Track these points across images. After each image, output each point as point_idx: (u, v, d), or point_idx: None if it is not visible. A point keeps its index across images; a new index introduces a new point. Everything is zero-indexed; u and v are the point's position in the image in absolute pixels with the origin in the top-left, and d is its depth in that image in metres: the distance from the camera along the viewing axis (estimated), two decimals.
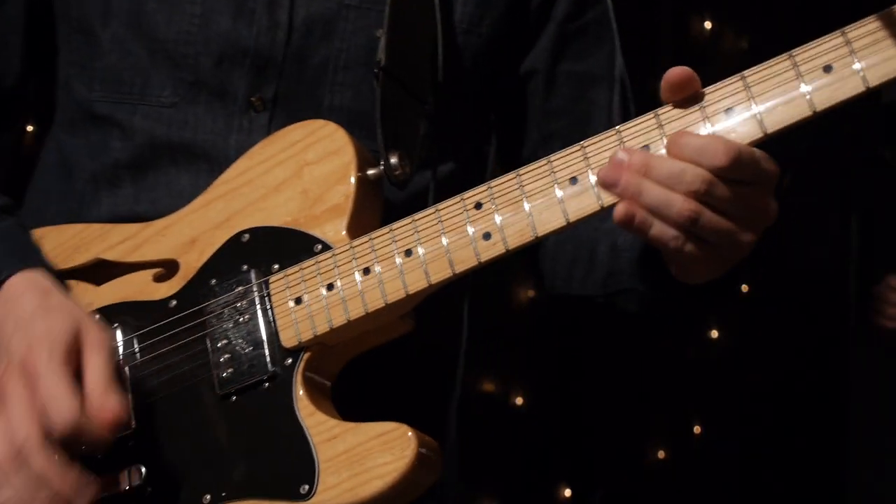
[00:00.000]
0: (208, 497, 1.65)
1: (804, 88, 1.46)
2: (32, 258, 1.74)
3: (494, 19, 1.95)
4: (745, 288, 4.78)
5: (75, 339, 1.58)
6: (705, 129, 1.51)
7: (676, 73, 1.52)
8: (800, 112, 1.47)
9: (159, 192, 1.84)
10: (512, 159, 2.02)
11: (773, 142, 1.52)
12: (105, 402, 1.53)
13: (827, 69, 1.45)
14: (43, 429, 1.50)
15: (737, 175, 1.49)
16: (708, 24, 4.73)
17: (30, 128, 2.74)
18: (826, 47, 1.46)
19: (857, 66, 1.44)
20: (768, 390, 4.78)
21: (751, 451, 4.81)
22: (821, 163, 4.43)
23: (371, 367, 1.76)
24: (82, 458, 1.55)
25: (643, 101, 1.62)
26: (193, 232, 1.78)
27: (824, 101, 1.46)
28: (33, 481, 1.49)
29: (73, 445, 1.51)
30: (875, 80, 1.43)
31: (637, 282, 1.86)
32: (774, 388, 4.77)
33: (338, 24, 1.86)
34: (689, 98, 1.53)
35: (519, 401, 4.86)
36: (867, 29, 1.45)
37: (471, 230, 1.60)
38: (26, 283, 1.68)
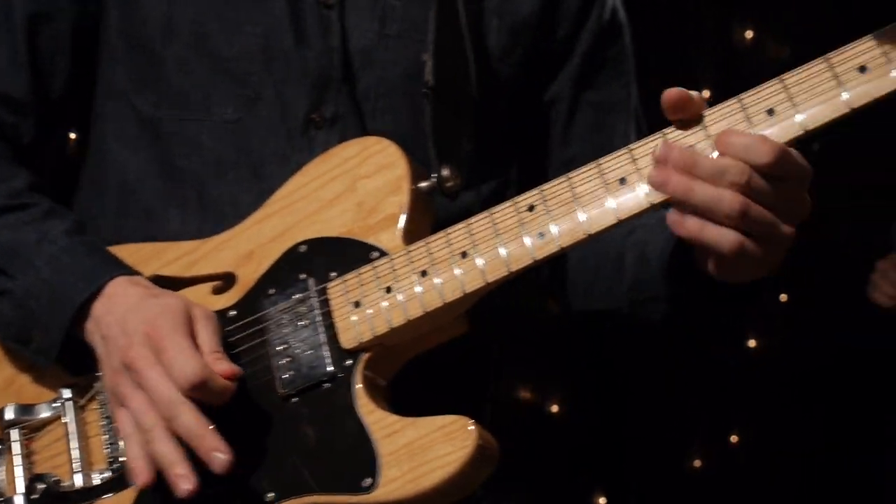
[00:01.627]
0: (272, 495, 1.69)
1: (841, 89, 1.55)
2: (125, 267, 1.84)
3: (525, 48, 2.06)
4: (783, 297, 4.86)
5: (188, 313, 1.71)
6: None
7: (672, 93, 1.60)
8: (836, 110, 1.55)
9: (225, 208, 1.91)
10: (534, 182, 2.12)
11: None
12: (220, 363, 1.68)
13: (862, 69, 1.54)
14: (177, 383, 1.64)
15: (777, 172, 1.56)
16: (750, 34, 4.88)
17: (73, 135, 2.80)
18: (860, 49, 1.55)
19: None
20: (805, 399, 4.80)
21: (786, 461, 4.82)
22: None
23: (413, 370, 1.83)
24: None
25: None
26: (250, 245, 1.85)
27: (860, 98, 1.54)
28: (185, 436, 1.65)
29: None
30: None
31: (665, 288, 1.91)
32: (811, 397, 4.80)
33: (377, 52, 1.96)
34: (691, 118, 1.61)
35: (555, 408, 4.95)
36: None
37: (524, 230, 1.67)
38: (127, 282, 1.80)
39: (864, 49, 1.54)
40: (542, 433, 4.89)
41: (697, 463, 5.00)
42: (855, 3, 4.46)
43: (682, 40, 4.55)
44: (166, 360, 1.65)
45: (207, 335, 1.71)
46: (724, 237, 1.57)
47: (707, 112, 1.61)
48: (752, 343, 4.99)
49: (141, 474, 1.67)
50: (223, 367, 1.67)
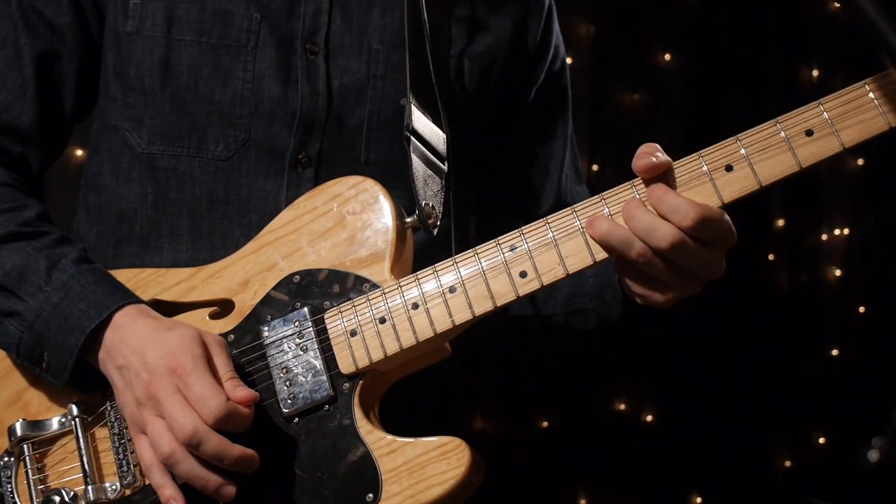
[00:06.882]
0: None
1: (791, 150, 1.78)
2: (132, 295, 1.96)
3: (493, 87, 2.28)
4: (862, 309, 5.28)
5: (203, 343, 1.85)
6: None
7: (643, 164, 1.80)
8: (788, 167, 1.78)
9: (215, 240, 2.07)
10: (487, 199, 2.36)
11: None
12: (239, 390, 1.82)
13: (808, 133, 1.78)
14: (203, 418, 1.77)
15: (702, 235, 1.77)
16: (816, 72, 5.24)
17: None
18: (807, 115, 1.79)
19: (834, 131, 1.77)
20: (883, 402, 5.11)
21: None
22: None
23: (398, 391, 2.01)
24: None
25: None
26: (246, 275, 2.00)
27: (808, 158, 1.78)
28: (212, 458, 1.77)
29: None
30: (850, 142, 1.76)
31: (597, 303, 2.17)
32: (888, 399, 5.09)
33: (367, 91, 2.13)
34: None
35: (649, 418, 5.36)
36: (839, 101, 1.78)
37: (508, 269, 1.86)
38: (136, 312, 1.92)
39: (812, 115, 1.78)
40: (637, 440, 5.27)
41: (787, 463, 5.37)
42: None
43: (749, 77, 4.94)
44: (192, 396, 1.78)
45: (222, 362, 1.86)
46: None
47: (674, 165, 1.82)
48: (834, 352, 5.39)
49: (173, 500, 1.81)
50: (242, 393, 1.82)
